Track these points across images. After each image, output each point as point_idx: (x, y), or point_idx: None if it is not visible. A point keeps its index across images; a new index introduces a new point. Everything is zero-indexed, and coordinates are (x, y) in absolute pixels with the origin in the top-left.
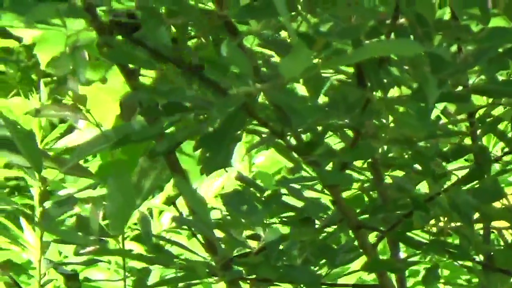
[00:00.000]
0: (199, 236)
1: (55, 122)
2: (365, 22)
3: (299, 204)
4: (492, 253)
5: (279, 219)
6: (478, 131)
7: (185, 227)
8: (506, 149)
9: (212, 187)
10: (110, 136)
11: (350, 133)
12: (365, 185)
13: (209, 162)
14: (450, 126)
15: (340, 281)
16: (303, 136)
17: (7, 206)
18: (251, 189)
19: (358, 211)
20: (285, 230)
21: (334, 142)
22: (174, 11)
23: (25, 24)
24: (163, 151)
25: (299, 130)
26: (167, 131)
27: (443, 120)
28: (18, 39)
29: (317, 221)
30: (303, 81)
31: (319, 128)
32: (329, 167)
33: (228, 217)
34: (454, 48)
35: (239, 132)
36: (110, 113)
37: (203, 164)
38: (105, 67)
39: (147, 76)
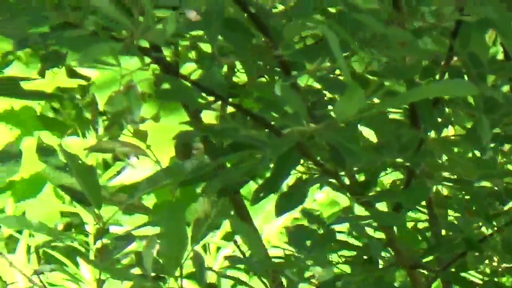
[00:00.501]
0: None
1: (108, 161)
2: (419, 63)
3: (356, 242)
4: None
5: (339, 257)
6: None
7: None
8: None
9: (275, 224)
10: (170, 173)
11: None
12: (419, 224)
13: (283, 203)
14: (504, 166)
15: None
16: (357, 176)
17: (64, 242)
18: (313, 225)
19: (412, 250)
20: (344, 268)
21: (388, 181)
22: (229, 50)
23: (79, 64)
24: (221, 190)
25: (353, 169)
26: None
27: (498, 159)
28: (85, 78)
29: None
30: (365, 122)
31: (373, 168)
32: (383, 207)
33: (290, 255)
34: (506, 88)
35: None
36: (166, 150)
37: (278, 204)
38: (158, 105)
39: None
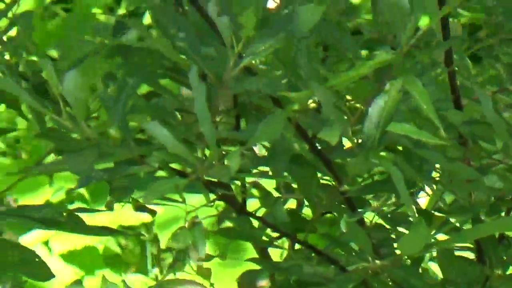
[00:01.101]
0: None
1: None
2: (485, 199)
3: None
4: None
5: None
6: None
7: None
8: None
9: None
10: None
11: None
12: None
13: None
14: None
15: None
16: None
17: None
18: None
19: None
20: None
21: None
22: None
23: (144, 201)
24: None
25: None
26: None
27: None
28: (151, 212)
29: None
30: (432, 258)
31: None
32: None
33: None
34: None
35: None
36: None
37: None
38: (224, 242)
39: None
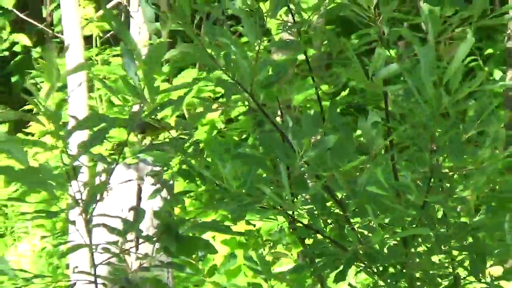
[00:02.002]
0: None
1: None
2: None
3: None
4: None
5: None
6: None
7: None
8: None
9: None
10: None
11: None
12: None
13: None
14: None
15: None
16: None
17: None
18: None
19: None
20: None
21: None
22: None
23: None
24: None
25: None
26: None
27: None
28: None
29: None
30: None
31: None
32: None
33: None
34: None
35: None
36: None
37: None
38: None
39: None
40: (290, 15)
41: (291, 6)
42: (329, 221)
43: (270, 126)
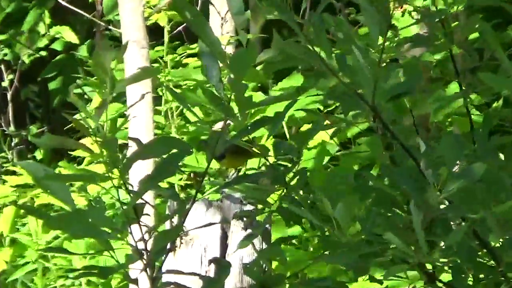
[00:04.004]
0: None
1: None
2: None
3: None
4: None
5: None
6: None
7: None
8: None
9: None
10: None
11: None
12: None
13: None
14: None
15: None
16: None
17: None
18: None
19: None
20: None
21: None
22: None
23: (384, 277)
24: None
25: None
26: None
27: None
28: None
29: None
30: None
31: None
32: None
33: None
34: None
35: None
36: None
37: None
38: None
39: None
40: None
41: None
42: (480, 276)
43: (400, 150)
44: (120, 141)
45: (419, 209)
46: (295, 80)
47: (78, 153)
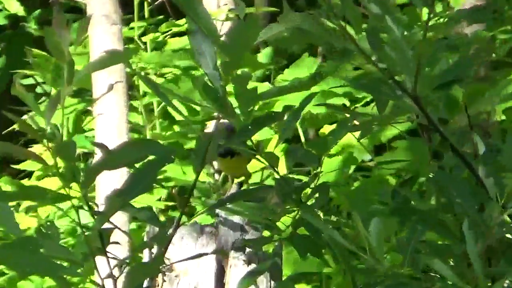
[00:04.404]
0: None
1: None
2: None
3: None
4: None
5: None
6: None
7: None
8: None
9: None
10: None
11: None
12: None
13: None
14: None
15: None
16: None
17: None
18: None
19: None
20: None
21: None
22: None
23: None
24: None
25: None
26: None
27: None
28: None
29: None
30: None
31: None
32: None
33: None
34: None
35: None
36: None
37: None
38: None
39: None
40: None
41: None
42: None
43: (452, 157)
44: (82, 150)
45: (475, 230)
46: (307, 65)
47: (26, 165)
